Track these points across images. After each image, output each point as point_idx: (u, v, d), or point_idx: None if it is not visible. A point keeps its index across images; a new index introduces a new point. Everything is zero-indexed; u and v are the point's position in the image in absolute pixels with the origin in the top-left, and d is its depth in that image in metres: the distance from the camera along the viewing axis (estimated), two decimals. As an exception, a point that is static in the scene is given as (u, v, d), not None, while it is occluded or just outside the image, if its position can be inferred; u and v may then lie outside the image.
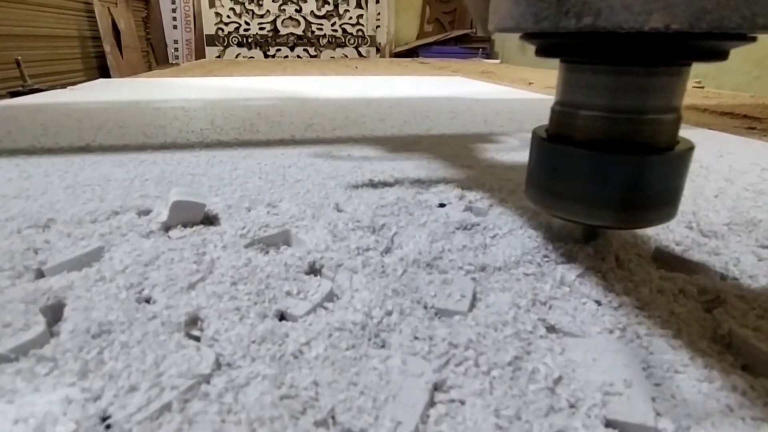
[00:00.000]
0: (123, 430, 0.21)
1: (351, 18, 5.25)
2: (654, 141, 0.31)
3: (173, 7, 4.87)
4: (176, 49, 4.90)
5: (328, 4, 5.20)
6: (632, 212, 0.32)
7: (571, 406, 0.22)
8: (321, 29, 5.25)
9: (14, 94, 1.75)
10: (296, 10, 5.18)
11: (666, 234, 0.42)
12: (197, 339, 0.27)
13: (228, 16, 5.09)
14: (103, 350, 0.25)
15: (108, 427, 0.21)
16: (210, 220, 0.44)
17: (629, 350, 0.26)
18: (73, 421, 0.21)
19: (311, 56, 5.19)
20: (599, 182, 0.32)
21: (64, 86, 1.80)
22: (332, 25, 5.25)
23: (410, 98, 1.47)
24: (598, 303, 0.31)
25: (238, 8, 5.11)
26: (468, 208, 0.48)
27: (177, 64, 3.93)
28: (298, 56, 5.16)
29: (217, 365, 0.24)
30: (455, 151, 0.73)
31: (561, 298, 0.31)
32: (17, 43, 2.24)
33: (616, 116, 0.31)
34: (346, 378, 0.23)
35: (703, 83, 2.39)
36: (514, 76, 2.53)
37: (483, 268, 0.35)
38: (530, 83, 2.12)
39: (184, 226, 0.42)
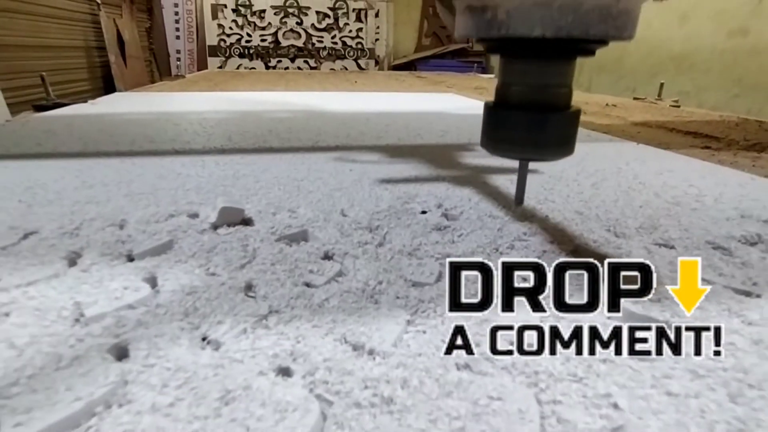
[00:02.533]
0: (217, 343, 0.34)
1: (351, 31, 5.41)
2: (555, 104, 0.50)
3: (176, 18, 5.01)
4: (179, 59, 5.03)
5: (329, 17, 5.36)
6: (545, 148, 0.51)
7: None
8: (321, 41, 5.41)
9: (38, 108, 1.89)
10: (297, 23, 5.33)
11: (589, 234, 0.56)
12: (254, 298, 0.41)
13: (230, 28, 5.25)
14: (195, 302, 0.39)
15: (208, 343, 0.35)
16: (246, 221, 0.58)
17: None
18: (186, 339, 0.34)
19: (311, 68, 5.34)
20: (525, 130, 0.51)
21: (70, 95, 1.93)
22: (332, 37, 5.41)
23: (406, 114, 1.62)
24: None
25: (240, 20, 5.27)
26: (444, 215, 0.62)
27: (182, 76, 4.07)
28: (299, 68, 5.31)
29: (270, 311, 0.38)
30: (440, 167, 0.88)
31: (499, 276, 0.45)
32: (26, 53, 2.37)
33: (533, 89, 0.50)
34: (352, 318, 0.37)
35: (683, 101, 2.54)
36: (504, 92, 2.68)
37: (448, 256, 0.49)
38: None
39: (228, 225, 0.55)
